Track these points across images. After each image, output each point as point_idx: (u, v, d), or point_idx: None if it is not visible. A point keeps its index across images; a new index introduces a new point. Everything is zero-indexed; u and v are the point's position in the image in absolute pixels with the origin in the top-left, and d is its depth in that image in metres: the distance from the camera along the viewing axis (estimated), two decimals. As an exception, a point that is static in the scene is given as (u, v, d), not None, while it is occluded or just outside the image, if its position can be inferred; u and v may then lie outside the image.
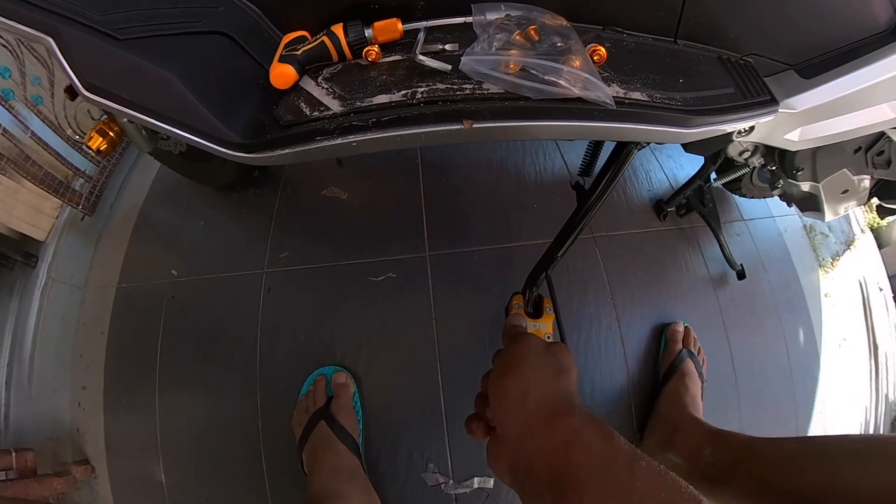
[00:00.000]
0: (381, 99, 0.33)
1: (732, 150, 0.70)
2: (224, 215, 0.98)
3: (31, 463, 0.96)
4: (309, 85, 0.39)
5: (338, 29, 0.38)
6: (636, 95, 0.38)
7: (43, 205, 1.23)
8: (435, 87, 0.33)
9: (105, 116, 0.65)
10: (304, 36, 0.42)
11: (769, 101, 0.43)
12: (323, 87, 0.37)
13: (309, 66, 0.40)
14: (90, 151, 0.79)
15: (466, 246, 0.82)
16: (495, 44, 0.32)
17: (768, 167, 0.80)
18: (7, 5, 0.33)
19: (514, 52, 0.33)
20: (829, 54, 0.45)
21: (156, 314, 0.93)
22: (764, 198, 1.04)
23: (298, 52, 0.39)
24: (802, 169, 0.69)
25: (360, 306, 0.78)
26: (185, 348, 0.89)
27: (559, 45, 0.36)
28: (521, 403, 0.33)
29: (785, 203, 0.86)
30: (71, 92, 0.38)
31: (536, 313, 0.63)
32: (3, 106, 1.04)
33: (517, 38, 0.37)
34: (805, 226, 1.10)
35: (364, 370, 0.75)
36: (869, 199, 0.77)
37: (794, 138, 0.50)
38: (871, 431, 1.02)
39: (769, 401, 0.92)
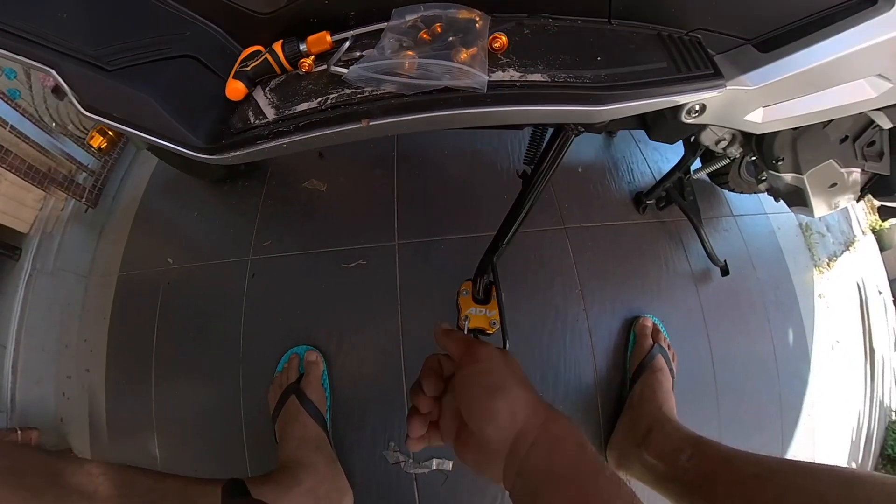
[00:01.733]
0: (303, 107, 0.45)
1: (707, 140, 0.69)
2: (216, 206, 1.13)
3: (35, 440, 1.13)
4: (259, 95, 0.52)
5: (277, 46, 0.51)
6: (534, 77, 0.41)
7: (25, 197, 1.41)
8: (343, 92, 0.44)
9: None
10: (259, 50, 0.55)
11: (712, 76, 0.43)
12: (267, 98, 0.50)
13: (258, 79, 0.53)
14: (92, 149, 0.96)
15: (434, 235, 0.93)
16: (388, 49, 0.43)
17: (749, 157, 0.83)
18: (17, 45, 0.47)
19: (409, 53, 0.42)
20: (790, 26, 0.44)
21: (153, 300, 1.09)
22: (753, 193, 1.06)
23: (248, 69, 0.52)
24: (783, 159, 0.69)
25: (332, 291, 0.91)
26: (178, 331, 1.04)
27: (451, 38, 0.43)
28: (513, 421, 0.39)
29: (773, 198, 0.85)
30: (57, 91, 0.52)
31: (486, 300, 0.72)
32: (8, 104, 1.21)
33: (423, 36, 0.45)
34: (801, 224, 1.14)
35: (334, 350, 0.88)
36: (862, 195, 0.76)
37: (757, 119, 0.50)
38: (863, 435, 1.04)
39: (752, 402, 0.96)
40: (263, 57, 0.51)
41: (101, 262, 1.27)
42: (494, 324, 0.71)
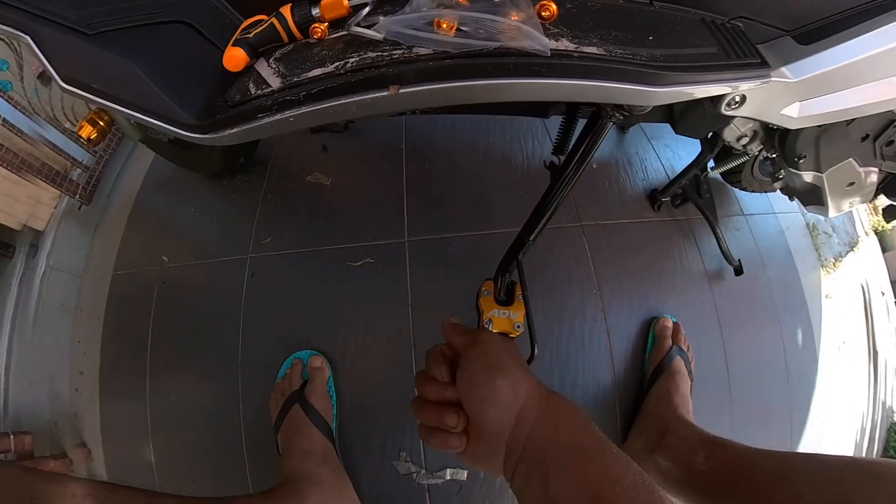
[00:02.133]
0: (315, 72, 0.37)
1: (729, 136, 0.69)
2: (213, 202, 1.05)
3: (29, 446, 1.05)
4: (262, 66, 0.44)
5: (286, 10, 0.43)
6: (590, 49, 0.37)
7: (18, 193, 1.33)
8: (366, 55, 0.36)
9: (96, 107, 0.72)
10: (262, 19, 0.47)
11: (759, 65, 0.41)
12: (272, 68, 0.43)
13: (262, 48, 0.45)
14: (82, 141, 0.87)
15: (446, 232, 0.86)
16: (424, 4, 0.35)
17: (769, 156, 0.79)
18: None
19: (447, 12, 0.35)
20: (830, 19, 0.43)
21: (147, 300, 1.01)
22: (765, 192, 1.04)
23: (251, 36, 0.44)
24: (805, 156, 0.67)
25: (338, 291, 0.84)
26: (174, 333, 0.97)
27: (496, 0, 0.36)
28: (514, 399, 0.38)
29: (787, 197, 0.85)
30: (43, 77, 0.44)
31: (508, 300, 0.65)
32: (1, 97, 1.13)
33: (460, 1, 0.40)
34: (808, 224, 1.11)
35: (340, 355, 0.81)
36: (875, 196, 0.75)
37: (793, 114, 0.48)
38: (866, 436, 1.03)
39: (763, 403, 0.93)
40: (269, 22, 0.43)
41: (96, 261, 1.19)
42: (519, 327, 0.64)
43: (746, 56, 0.41)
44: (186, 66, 0.44)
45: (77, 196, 1.27)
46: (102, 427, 1.01)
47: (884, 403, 1.08)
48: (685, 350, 0.85)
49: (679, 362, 0.83)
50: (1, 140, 1.17)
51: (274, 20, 0.43)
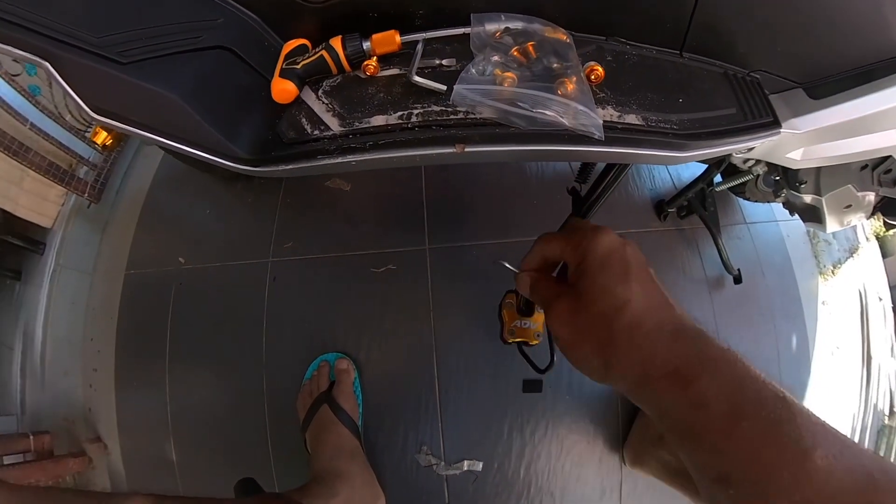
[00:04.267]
0: (379, 120, 0.35)
1: (736, 159, 0.68)
2: (230, 204, 1.00)
3: (48, 445, 1.02)
4: (310, 98, 0.41)
5: (336, 42, 0.39)
6: (631, 119, 0.38)
7: (48, 193, 1.26)
8: (430, 108, 0.34)
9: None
10: (304, 45, 0.43)
11: (771, 124, 0.42)
12: (323, 102, 0.39)
13: (308, 78, 0.41)
14: (96, 146, 0.81)
15: (465, 240, 0.84)
16: (489, 68, 0.33)
17: (772, 176, 0.80)
18: (2, 32, 0.34)
19: (508, 76, 0.34)
20: (841, 75, 0.43)
21: (164, 300, 0.97)
22: (768, 202, 1.03)
23: (298, 66, 0.40)
24: (806, 182, 0.69)
25: (361, 296, 0.82)
26: (193, 333, 0.93)
27: (555, 65, 0.36)
28: (648, 304, 0.32)
29: (788, 212, 0.84)
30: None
31: (528, 311, 0.65)
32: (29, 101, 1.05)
33: (514, 53, 0.38)
34: (809, 232, 1.10)
35: (364, 357, 0.80)
36: (873, 214, 0.75)
37: (797, 157, 0.49)
38: (856, 437, 1.04)
39: None
40: (318, 54, 0.39)
41: (106, 260, 1.13)
42: (539, 336, 0.63)
43: (761, 115, 0.42)
44: (230, 96, 0.40)
45: (85, 194, 1.20)
46: (119, 424, 0.99)
47: (875, 406, 1.08)
48: None
49: None
50: (29, 143, 1.09)
51: (324, 52, 0.39)
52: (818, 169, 0.67)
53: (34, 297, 1.23)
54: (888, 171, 0.68)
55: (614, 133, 0.36)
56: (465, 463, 0.80)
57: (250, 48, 0.43)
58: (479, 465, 0.81)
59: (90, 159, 1.22)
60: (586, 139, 0.35)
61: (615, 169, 0.51)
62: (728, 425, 0.26)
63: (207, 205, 1.02)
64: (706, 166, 0.86)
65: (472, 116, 0.33)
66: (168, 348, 0.95)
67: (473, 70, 0.34)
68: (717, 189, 0.91)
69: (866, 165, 0.67)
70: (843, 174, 0.67)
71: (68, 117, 1.19)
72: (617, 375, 0.31)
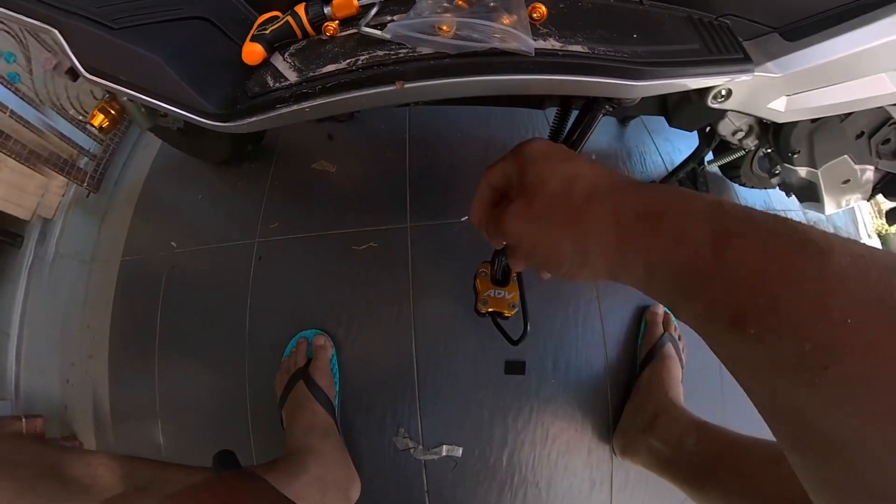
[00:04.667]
0: (329, 68, 0.42)
1: (724, 130, 0.69)
2: (221, 189, 1.09)
3: (41, 428, 1.10)
4: (277, 60, 0.48)
5: (300, 8, 0.47)
6: (575, 48, 0.40)
7: (27, 184, 1.37)
8: (375, 53, 0.41)
9: (108, 96, 0.77)
10: (276, 16, 0.51)
11: (742, 60, 0.43)
12: (287, 62, 0.47)
13: (277, 43, 0.49)
14: (93, 129, 0.92)
15: (447, 218, 0.90)
16: (427, 9, 0.39)
17: (766, 152, 0.83)
18: (17, 1, 0.43)
19: (447, 16, 0.40)
20: (816, 16, 0.45)
21: (156, 284, 1.06)
22: (764, 188, 1.05)
23: (267, 32, 0.48)
24: (799, 152, 0.69)
25: (342, 274, 0.88)
26: (183, 316, 1.01)
27: (492, 4, 0.41)
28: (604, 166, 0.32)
29: (784, 193, 0.86)
30: (72, 73, 0.49)
31: (504, 281, 0.70)
32: (7, 88, 1.17)
33: (458, 2, 0.44)
34: (806, 223, 1.13)
35: (343, 335, 0.85)
36: (873, 195, 0.76)
37: (780, 108, 0.50)
38: None
39: None
40: (284, 20, 0.47)
41: (104, 248, 1.24)
42: (514, 306, 0.68)
43: (729, 52, 0.44)
44: (207, 60, 0.49)
45: (85, 184, 1.31)
46: (112, 409, 1.06)
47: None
48: (676, 338, 0.89)
49: (670, 348, 0.86)
50: (9, 131, 1.21)
51: (289, 18, 0.47)
52: (811, 137, 0.67)
53: (32, 286, 1.35)
54: (886, 142, 0.69)
55: (554, 59, 0.40)
56: (444, 448, 0.83)
57: (227, 19, 0.51)
58: (459, 451, 0.84)
59: (91, 150, 1.35)
60: (522, 68, 0.39)
61: (586, 118, 0.56)
62: (717, 247, 0.23)
63: (200, 191, 1.11)
64: (696, 145, 0.90)
65: (412, 55, 0.40)
66: (158, 331, 1.03)
67: (411, 13, 0.40)
68: (709, 166, 0.94)
69: (862, 133, 0.67)
70: (839, 143, 0.67)
71: (71, 111, 1.32)
72: (591, 245, 0.29)
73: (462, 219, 0.90)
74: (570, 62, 0.40)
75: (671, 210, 0.26)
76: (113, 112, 0.90)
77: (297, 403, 0.78)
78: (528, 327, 0.66)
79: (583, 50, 0.41)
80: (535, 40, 0.40)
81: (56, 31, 0.46)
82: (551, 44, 0.41)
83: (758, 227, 0.23)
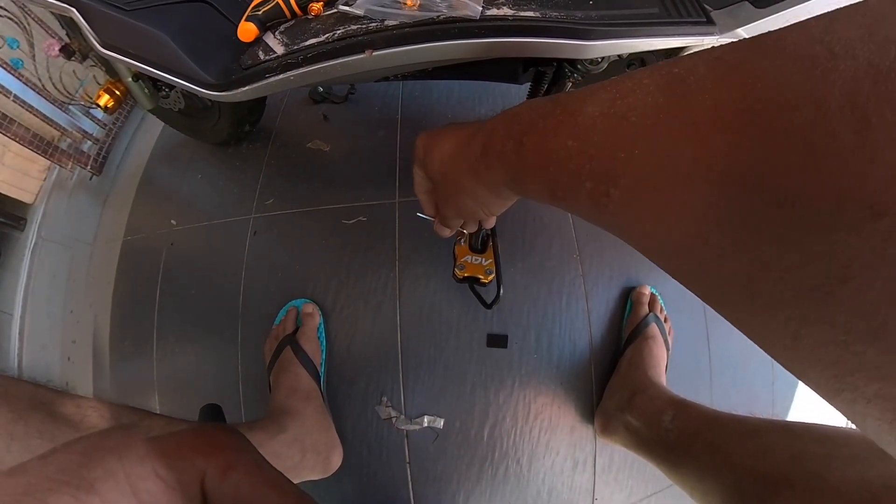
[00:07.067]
0: (311, 41, 0.52)
1: None
2: (220, 168, 1.21)
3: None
4: (269, 38, 0.59)
5: (288, -9, 0.59)
6: (526, 14, 0.47)
7: (30, 168, 1.52)
8: (349, 27, 0.51)
9: (112, 78, 0.90)
10: (269, 0, 0.62)
11: (703, 23, 0.47)
12: (277, 39, 0.58)
13: (269, 23, 0.60)
14: (98, 109, 1.04)
15: (434, 195, 1.00)
16: None
17: None
18: None
19: None
20: None
21: (156, 261, 1.18)
22: None
23: (260, 13, 0.59)
24: None
25: (332, 246, 0.99)
26: (180, 290, 1.13)
27: None
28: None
29: None
30: (66, 52, 0.61)
31: (481, 249, 0.79)
32: (11, 73, 1.31)
33: None
34: None
35: (331, 304, 0.96)
36: None
37: None
38: (845, 422, 1.08)
39: (745, 385, 1.00)
40: (275, 2, 0.58)
41: (107, 229, 1.37)
42: (490, 272, 0.77)
43: (690, 15, 0.48)
44: (207, 37, 0.60)
45: (88, 167, 1.45)
46: (112, 385, 1.19)
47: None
48: (662, 319, 0.94)
49: (654, 328, 0.91)
50: (13, 116, 1.36)
51: (279, 1, 0.58)
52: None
53: (35, 267, 1.49)
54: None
55: (504, 23, 0.47)
56: (426, 419, 0.91)
57: (225, 2, 0.63)
58: (441, 423, 0.91)
59: (94, 134, 1.49)
60: (475, 33, 0.48)
61: (553, 87, 0.65)
62: (517, 144, 0.32)
63: (200, 171, 1.23)
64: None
65: (380, 27, 0.50)
66: (157, 307, 1.14)
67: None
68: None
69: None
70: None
71: (76, 95, 1.46)
72: (479, 192, 0.41)
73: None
74: (519, 24, 0.47)
75: (490, 144, 0.37)
76: (117, 92, 1.04)
77: (282, 367, 0.87)
78: (502, 291, 0.75)
79: (534, 15, 0.48)
80: (488, 9, 0.49)
81: (75, 10, 0.58)
82: (504, 11, 0.49)
83: (543, 120, 0.30)
